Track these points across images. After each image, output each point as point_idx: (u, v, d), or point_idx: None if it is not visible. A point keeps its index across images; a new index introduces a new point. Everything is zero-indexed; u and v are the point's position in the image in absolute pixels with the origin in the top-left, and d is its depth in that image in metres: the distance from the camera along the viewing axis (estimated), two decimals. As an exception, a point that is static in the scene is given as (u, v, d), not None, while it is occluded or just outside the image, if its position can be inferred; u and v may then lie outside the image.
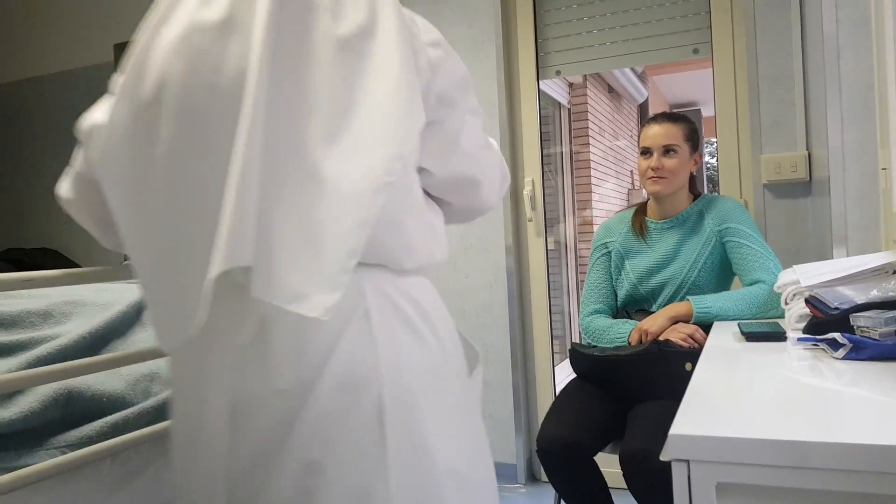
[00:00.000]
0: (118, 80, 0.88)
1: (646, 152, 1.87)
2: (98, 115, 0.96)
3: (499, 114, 2.77)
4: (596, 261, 2.00)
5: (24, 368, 0.98)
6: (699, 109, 6.85)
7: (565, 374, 1.93)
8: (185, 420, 0.80)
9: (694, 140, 1.87)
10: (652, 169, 1.84)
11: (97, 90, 3.88)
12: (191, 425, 0.79)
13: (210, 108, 0.74)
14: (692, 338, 1.64)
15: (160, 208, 0.78)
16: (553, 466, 1.64)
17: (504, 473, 2.79)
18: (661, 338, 1.67)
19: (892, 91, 1.63)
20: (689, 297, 1.72)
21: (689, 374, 1.06)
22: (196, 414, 0.77)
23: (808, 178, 2.27)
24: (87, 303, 1.22)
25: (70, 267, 3.81)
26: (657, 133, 1.85)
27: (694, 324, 1.68)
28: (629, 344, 1.76)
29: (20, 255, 3.77)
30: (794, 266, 1.47)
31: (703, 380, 1.04)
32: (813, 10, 2.06)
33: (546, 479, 1.72)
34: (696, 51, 2.55)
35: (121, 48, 3.73)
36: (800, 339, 1.28)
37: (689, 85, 6.60)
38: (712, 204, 1.87)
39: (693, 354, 1.58)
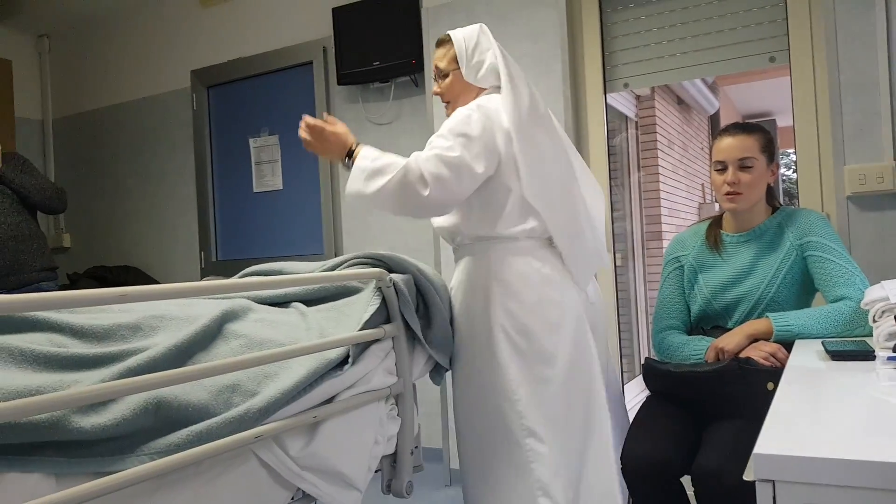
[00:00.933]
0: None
1: (720, 166, 1.79)
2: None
3: (565, 128, 2.76)
4: (668, 275, 1.94)
5: (117, 378, 1.03)
6: (774, 120, 6.62)
7: (634, 392, 1.89)
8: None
9: (770, 151, 1.78)
10: (728, 184, 1.76)
11: (175, 115, 4.10)
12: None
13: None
14: (774, 356, 1.57)
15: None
16: (639, 487, 1.59)
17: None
18: (741, 355, 1.61)
19: None
20: (768, 314, 1.65)
21: (770, 394, 1.02)
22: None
23: (896, 189, 2.15)
24: (172, 317, 1.28)
25: (149, 283, 4.00)
26: (731, 146, 1.77)
27: (774, 342, 1.62)
28: (706, 361, 1.70)
29: (104, 273, 3.98)
30: (882, 282, 1.40)
31: (787, 399, 1.00)
32: (898, 13, 1.97)
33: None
34: (772, 59, 2.47)
35: (197, 74, 3.92)
36: (890, 359, 1.21)
37: (763, 95, 6.39)
38: (793, 217, 1.78)
39: (775, 373, 1.51)
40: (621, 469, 1.62)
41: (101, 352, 1.08)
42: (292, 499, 1.30)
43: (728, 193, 1.76)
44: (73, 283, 3.87)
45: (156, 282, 4.06)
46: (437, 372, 1.72)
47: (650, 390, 1.82)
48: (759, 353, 1.58)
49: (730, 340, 1.65)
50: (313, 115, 3.56)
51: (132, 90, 4.29)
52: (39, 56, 4.61)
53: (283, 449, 1.22)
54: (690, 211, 5.96)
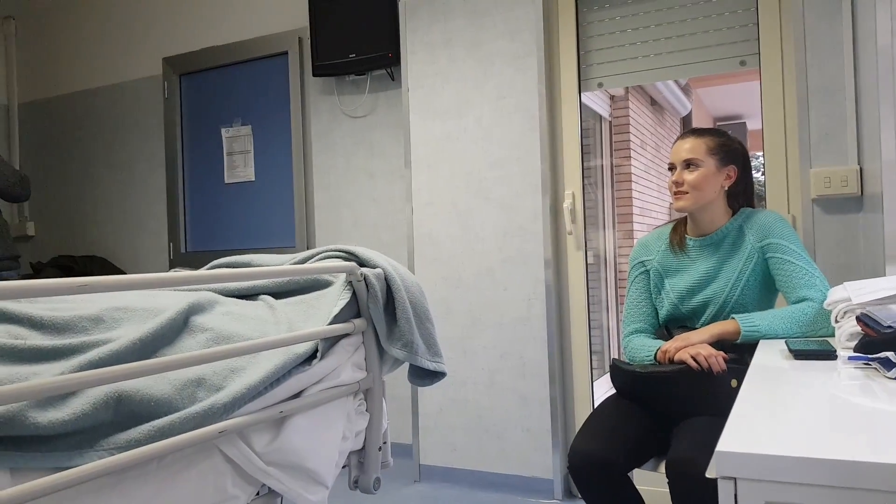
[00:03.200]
0: None
1: (671, 168, 1.85)
2: None
3: (540, 127, 2.77)
4: (634, 279, 1.97)
5: (76, 371, 1.01)
6: (744, 123, 6.72)
7: (604, 389, 1.91)
8: None
9: (722, 153, 1.81)
10: (674, 183, 1.82)
11: (146, 102, 4.05)
12: None
13: None
14: (707, 361, 1.59)
15: None
16: (584, 483, 1.62)
17: (540, 488, 2.76)
18: (675, 358, 1.64)
19: (950, 103, 1.58)
20: (735, 316, 1.68)
21: (735, 391, 1.04)
22: None
23: (860, 193, 2.20)
24: (136, 308, 1.26)
25: (116, 273, 3.93)
26: (679, 148, 1.83)
27: (740, 343, 1.64)
28: (657, 361, 1.73)
29: (69, 263, 3.90)
30: (844, 283, 1.43)
31: (750, 397, 1.02)
32: (866, 21, 2.01)
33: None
34: (743, 63, 2.51)
35: (169, 62, 3.85)
36: (851, 358, 1.24)
37: (734, 97, 6.49)
38: (752, 218, 1.82)
39: (738, 371, 1.54)
40: (567, 466, 1.64)
41: (60, 344, 1.06)
42: (257, 494, 1.29)
43: (675, 193, 1.83)
44: (37, 272, 3.78)
45: (122, 272, 3.98)
46: (415, 374, 1.69)
47: (617, 390, 1.84)
48: (686, 354, 1.61)
49: (690, 339, 1.68)
50: (287, 105, 3.55)
51: (102, 76, 4.20)
52: (5, 38, 4.48)
53: (248, 444, 1.21)
54: (662, 211, 6.03)
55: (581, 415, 2.79)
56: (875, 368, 1.15)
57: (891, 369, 1.09)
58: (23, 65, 4.49)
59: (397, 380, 3.24)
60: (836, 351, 1.32)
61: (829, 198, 2.26)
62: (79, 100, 4.29)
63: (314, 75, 3.35)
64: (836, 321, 1.41)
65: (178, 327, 1.24)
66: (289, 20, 3.55)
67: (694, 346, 1.64)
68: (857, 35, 2.18)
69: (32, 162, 4.46)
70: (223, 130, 3.76)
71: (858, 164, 2.20)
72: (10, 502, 0.81)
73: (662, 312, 1.90)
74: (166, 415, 1.07)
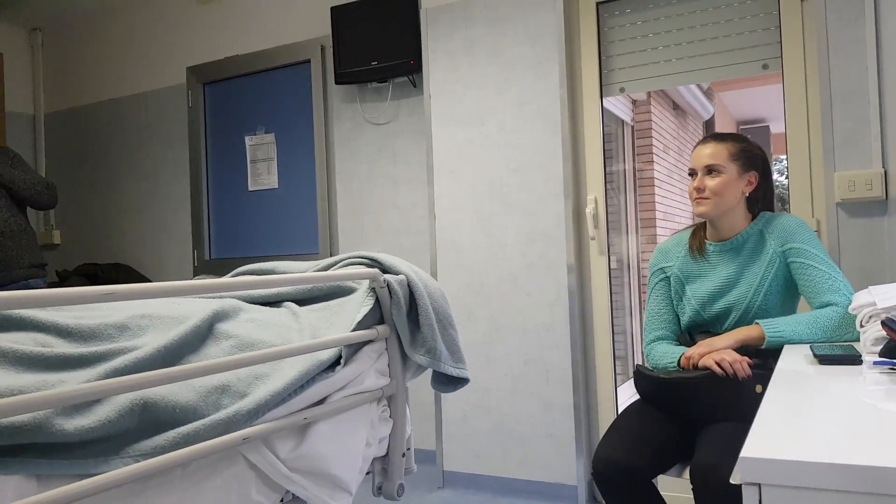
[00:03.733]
0: None
1: (692, 174, 1.84)
2: None
3: (562, 131, 2.77)
4: (654, 286, 1.95)
5: (102, 379, 1.03)
6: (767, 126, 6.63)
7: (628, 395, 1.90)
8: None
9: (744, 159, 1.80)
10: (695, 189, 1.80)
11: (170, 111, 4.12)
12: None
13: None
14: (732, 367, 1.58)
15: None
16: (609, 489, 1.61)
17: (564, 495, 2.75)
18: (699, 364, 1.63)
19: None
20: (758, 321, 1.66)
21: (759, 397, 1.03)
22: None
23: (885, 197, 2.16)
24: (161, 316, 1.28)
25: (141, 281, 3.99)
26: (701, 153, 1.81)
27: (765, 348, 1.62)
28: (680, 368, 1.71)
29: (94, 270, 3.96)
30: (869, 287, 1.41)
31: (775, 403, 1.00)
32: (889, 23, 1.98)
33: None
34: (765, 66, 2.48)
35: (193, 71, 3.92)
36: (876, 363, 1.22)
37: (757, 101, 6.41)
38: (772, 223, 1.80)
39: (763, 377, 1.52)
40: (591, 473, 1.63)
41: (86, 351, 1.08)
42: (281, 501, 1.30)
43: (696, 199, 1.81)
44: (63, 280, 3.85)
45: (147, 280, 4.05)
46: (438, 381, 1.69)
47: (640, 395, 1.83)
48: (711, 360, 1.60)
49: (714, 344, 1.66)
50: (310, 113, 3.59)
51: (126, 86, 4.28)
52: (32, 49, 4.59)
53: (272, 451, 1.22)
54: (685, 215, 5.97)
55: (605, 421, 2.78)
56: (903, 375, 1.13)
57: (919, 376, 1.08)
58: (49, 75, 4.60)
59: (421, 386, 3.25)
60: (860, 356, 1.30)
61: (853, 201, 2.22)
62: (104, 109, 4.38)
63: (337, 83, 3.39)
64: (861, 326, 1.38)
65: (202, 334, 1.26)
66: (311, 29, 3.60)
67: (718, 352, 1.62)
68: (880, 37, 2.15)
69: (58, 171, 4.56)
70: (247, 138, 3.81)
71: (883, 167, 2.17)
72: (39, 508, 0.83)
73: (684, 319, 1.88)
74: (191, 422, 1.08)
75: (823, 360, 1.30)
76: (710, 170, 1.79)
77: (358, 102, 3.48)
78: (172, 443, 1.04)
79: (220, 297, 1.51)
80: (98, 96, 4.40)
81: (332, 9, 3.36)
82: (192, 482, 1.10)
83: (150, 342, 1.15)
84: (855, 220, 2.23)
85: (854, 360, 1.28)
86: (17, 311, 1.13)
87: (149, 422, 1.05)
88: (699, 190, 1.80)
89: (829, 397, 1.04)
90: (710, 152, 1.80)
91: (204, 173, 3.94)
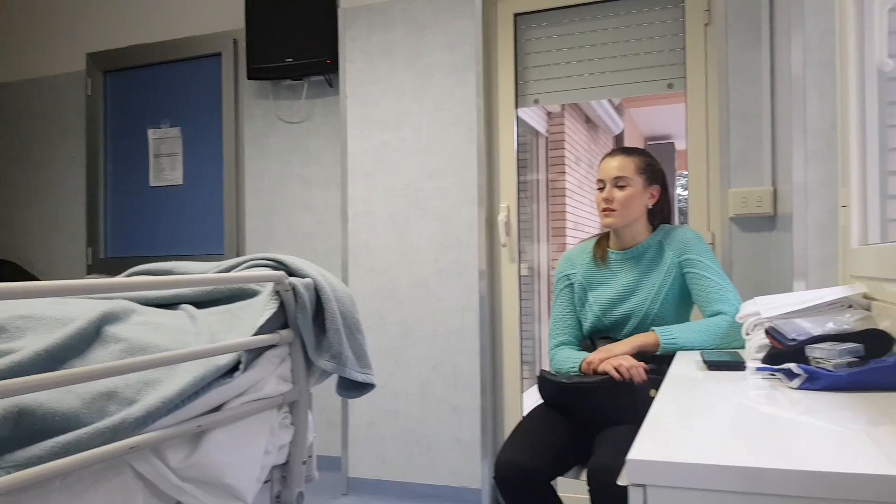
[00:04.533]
0: None
1: (600, 185, 1.91)
2: None
3: (477, 139, 2.80)
4: (560, 293, 2.01)
5: (-25, 384, 0.95)
6: (673, 143, 6.97)
7: (534, 399, 1.93)
8: None
9: (649, 173, 1.89)
10: (604, 200, 1.87)
11: (67, 99, 3.87)
12: None
13: None
14: (629, 372, 1.64)
15: None
16: (509, 492, 1.64)
17: (469, 499, 2.77)
18: (599, 369, 1.69)
19: (854, 132, 1.68)
20: (654, 328, 1.74)
21: (653, 401, 1.07)
22: None
23: (773, 213, 2.32)
24: (44, 317, 1.20)
25: (28, 279, 3.73)
26: (609, 166, 1.89)
27: (660, 354, 1.70)
28: (581, 373, 1.77)
29: (-22, 267, 3.68)
30: (755, 298, 1.50)
31: (664, 407, 1.05)
32: (782, 51, 2.12)
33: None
34: (670, 85, 2.61)
35: (93, 58, 3.71)
36: (758, 369, 1.30)
37: (664, 118, 6.73)
38: (671, 234, 1.90)
39: (658, 381, 1.59)
40: (493, 476, 1.66)
41: (-43, 354, 0.99)
42: (173, 511, 1.24)
43: (604, 210, 1.87)
44: (-59, 276, 3.55)
45: (35, 278, 3.79)
46: (343, 386, 1.66)
47: (544, 400, 1.87)
48: (609, 365, 1.67)
49: (613, 350, 1.72)
50: (219, 108, 3.46)
51: (19, 69, 3.99)
52: (-85, 27, 4.21)
53: (162, 460, 1.16)
54: (594, 226, 6.18)
55: (511, 425, 2.82)
56: (779, 379, 1.21)
57: (793, 379, 1.15)
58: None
59: (328, 392, 3.19)
60: (745, 362, 1.37)
61: (745, 217, 2.36)
62: (-4, 94, 4.07)
63: (249, 78, 3.29)
64: (747, 334, 1.47)
65: (89, 337, 1.19)
66: (224, 21, 3.48)
67: (616, 358, 1.68)
68: (774, 63, 2.30)
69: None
70: (150, 132, 3.64)
71: (773, 185, 2.32)
72: None
73: (586, 324, 1.94)
74: (72, 430, 1.02)
75: (711, 366, 1.37)
76: (619, 182, 1.86)
77: (271, 99, 3.39)
78: (50, 452, 0.97)
79: (112, 299, 1.42)
80: (-12, 79, 4.09)
81: (247, 1, 3.27)
82: (71, 494, 1.03)
83: (28, 345, 1.07)
84: (746, 235, 2.37)
85: (739, 366, 1.35)
86: None
87: (25, 430, 0.97)
88: (608, 201, 1.86)
89: (715, 401, 1.09)
90: (619, 165, 1.87)
91: (102, 166, 3.73)
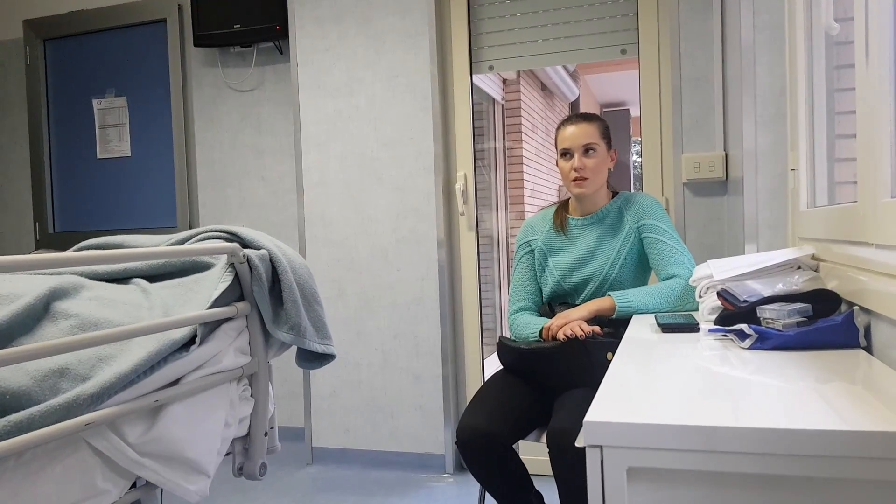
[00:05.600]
0: None
1: (566, 153, 1.90)
2: None
3: (432, 107, 2.78)
4: (520, 259, 2.03)
5: (-84, 364, 0.91)
6: (628, 109, 7.04)
7: (495, 366, 1.96)
8: None
9: (608, 137, 1.92)
10: (575, 170, 1.86)
11: (5, 69, 3.69)
12: None
13: None
14: (574, 330, 1.69)
15: None
16: (470, 456, 1.67)
17: (432, 464, 2.81)
18: (558, 336, 1.72)
19: (803, 96, 1.72)
20: (610, 293, 1.77)
21: (610, 364, 1.10)
22: None
23: (725, 178, 2.37)
24: (-10, 294, 1.15)
25: (-24, 257, 3.58)
26: (575, 134, 1.88)
27: (616, 318, 1.74)
28: (541, 338, 1.80)
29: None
30: (708, 261, 1.53)
31: (621, 369, 1.07)
32: (732, 16, 2.15)
33: (474, 470, 1.74)
34: (623, 51, 2.62)
35: (31, 25, 3.53)
36: (711, 330, 1.34)
37: (619, 85, 6.78)
38: (631, 201, 1.92)
39: (614, 345, 1.63)
40: (455, 441, 1.68)
41: None
42: (134, 486, 1.22)
43: (575, 179, 1.87)
44: None
45: (-19, 255, 3.64)
46: (303, 357, 1.65)
47: (503, 366, 1.90)
48: (562, 334, 1.70)
49: (571, 315, 1.75)
50: (166, 76, 3.35)
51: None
52: None
53: (119, 436, 1.14)
54: (551, 193, 6.23)
55: (472, 391, 2.86)
56: (731, 339, 1.25)
57: (744, 339, 1.19)
58: None
59: (289, 362, 3.18)
60: (698, 324, 1.42)
61: (698, 181, 2.41)
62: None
63: (196, 45, 3.18)
64: (700, 296, 1.51)
65: (37, 314, 1.15)
66: (168, -14, 3.34)
67: (572, 324, 1.71)
68: (725, 29, 2.33)
69: None
70: (94, 102, 3.50)
71: (724, 150, 2.37)
72: None
73: (546, 290, 1.97)
74: (24, 408, 0.99)
75: (666, 328, 1.41)
76: (588, 149, 1.86)
77: (219, 67, 3.29)
78: (2, 431, 0.94)
79: (60, 274, 1.38)
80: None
81: (192, -35, 3.15)
82: (27, 472, 1.00)
83: (-28, 323, 1.03)
84: (699, 199, 2.43)
85: (693, 328, 1.39)
86: None
87: (-28, 410, 0.94)
88: (579, 169, 1.85)
89: (669, 363, 1.12)
90: (585, 132, 1.86)
91: (46, 138, 3.58)
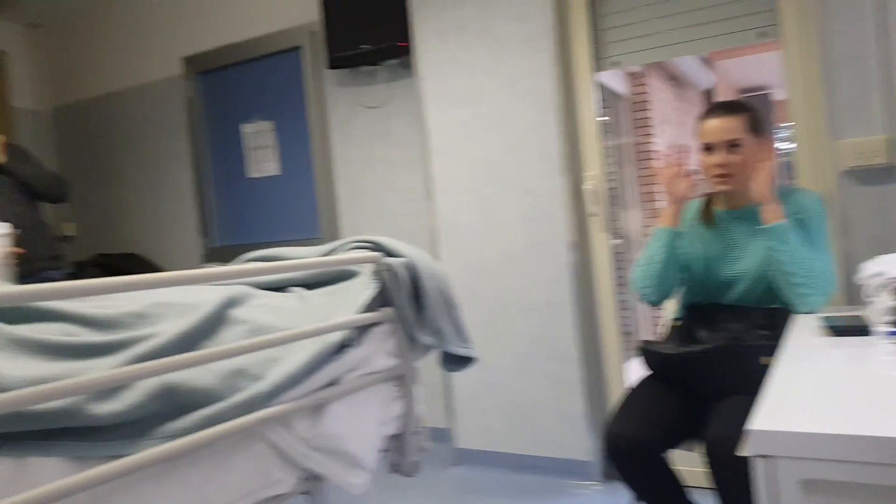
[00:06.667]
0: None
1: (707, 148, 1.79)
2: None
3: (555, 109, 2.76)
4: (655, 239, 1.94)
5: (127, 365, 1.05)
6: (770, 93, 6.60)
7: (637, 370, 1.91)
8: None
9: (757, 129, 1.78)
10: (717, 167, 1.76)
11: (169, 102, 4.12)
12: None
13: None
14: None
15: None
16: (622, 465, 1.62)
17: (578, 470, 2.78)
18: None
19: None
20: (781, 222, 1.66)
21: (765, 369, 1.04)
22: None
23: (891, 164, 2.16)
24: (175, 304, 1.30)
25: (152, 270, 4.01)
26: (717, 128, 1.76)
27: (773, 318, 1.64)
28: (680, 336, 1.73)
29: (107, 261, 4.00)
30: (878, 256, 1.41)
31: (784, 375, 1.02)
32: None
33: (621, 477, 1.71)
34: (762, 34, 2.47)
35: (188, 61, 3.90)
36: (890, 333, 1.23)
37: (758, 68, 6.37)
38: (790, 196, 1.78)
39: (769, 349, 1.54)
40: (604, 449, 1.65)
41: (109, 339, 1.10)
42: (301, 480, 1.32)
43: (718, 176, 1.76)
44: (79, 271, 3.88)
45: (158, 268, 4.08)
46: (446, 360, 1.71)
47: (649, 370, 1.84)
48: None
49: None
50: (304, 99, 3.58)
51: (126, 78, 4.27)
52: (34, 46, 4.58)
53: (290, 431, 1.25)
54: (685, 188, 5.97)
55: (615, 396, 2.80)
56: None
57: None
58: (51, 71, 4.58)
59: (431, 364, 3.27)
60: (870, 326, 1.30)
61: (858, 169, 2.22)
62: (106, 102, 4.37)
63: (329, 68, 3.37)
64: (869, 296, 1.39)
65: (216, 321, 1.28)
66: (301, 14, 3.57)
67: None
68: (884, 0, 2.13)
69: (68, 164, 4.56)
70: (243, 126, 3.81)
71: (888, 133, 2.16)
72: (77, 489, 0.86)
73: (687, 290, 1.89)
74: (212, 404, 1.11)
75: (836, 331, 1.31)
76: (732, 144, 1.75)
77: (351, 86, 3.47)
78: (196, 424, 1.07)
79: (231, 284, 1.52)
80: (99, 90, 4.39)
81: (322, -7, 3.34)
82: (216, 461, 1.12)
83: (167, 329, 1.17)
84: (861, 189, 2.22)
85: (864, 330, 1.28)
86: (43, 303, 1.15)
87: (173, 405, 1.07)
88: (722, 166, 1.75)
89: (840, 368, 1.04)
90: (728, 126, 1.75)
91: (206, 162, 3.95)
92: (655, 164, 1.68)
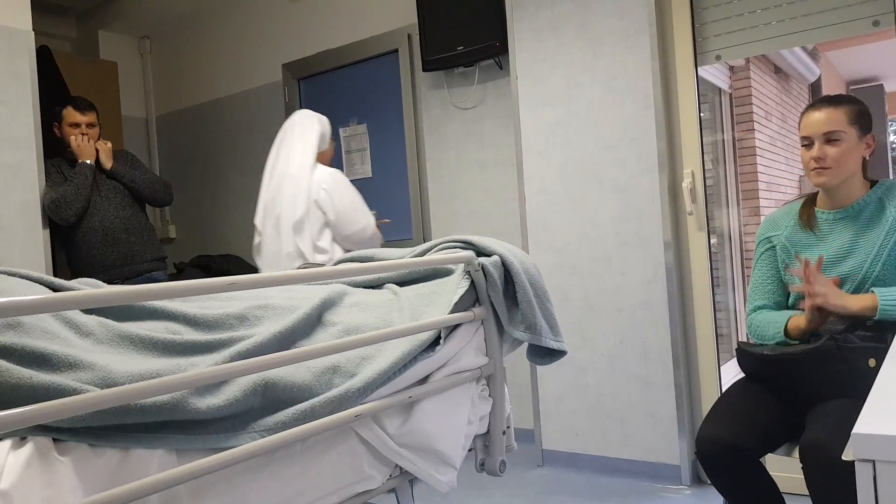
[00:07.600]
0: None
1: (806, 142, 1.73)
2: None
3: (654, 105, 2.70)
4: (760, 256, 1.88)
5: (229, 362, 1.12)
6: (881, 85, 6.14)
7: (732, 373, 1.85)
8: None
9: (862, 122, 1.70)
10: (814, 160, 1.70)
11: (269, 108, 4.33)
12: None
13: None
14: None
15: None
16: (715, 469, 1.58)
17: (667, 474, 2.71)
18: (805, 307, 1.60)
19: None
20: (875, 290, 1.58)
21: (872, 371, 0.99)
22: None
23: None
24: (276, 306, 1.37)
25: (251, 271, 4.21)
26: (817, 120, 1.70)
27: (877, 321, 1.54)
28: (786, 336, 1.65)
29: (208, 262, 4.21)
30: None
31: (892, 378, 0.96)
32: None
33: (712, 483, 1.66)
34: (876, 23, 2.32)
35: (288, 68, 4.07)
36: None
37: (869, 58, 5.93)
38: (894, 190, 1.70)
39: (875, 350, 1.45)
40: (696, 452, 1.60)
41: (211, 338, 1.18)
42: (390, 476, 1.37)
43: (816, 169, 1.71)
44: (180, 272, 4.13)
45: (256, 270, 4.27)
46: (535, 353, 1.71)
47: (745, 373, 1.78)
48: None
49: (830, 301, 1.61)
50: (400, 102, 3.66)
51: (228, 85, 4.51)
52: (142, 57, 4.92)
53: (381, 427, 1.29)
54: (791, 185, 5.66)
55: (708, 400, 2.71)
56: None
57: None
58: (158, 80, 4.92)
59: (517, 365, 3.28)
60: None
61: None
62: (208, 109, 4.64)
63: (424, 70, 3.44)
64: None
65: (312, 322, 1.34)
66: (398, 18, 3.66)
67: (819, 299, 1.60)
68: None
69: (170, 169, 4.87)
70: (341, 130, 3.94)
71: None
72: (178, 480, 0.93)
73: (793, 295, 1.80)
74: (307, 399, 1.16)
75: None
76: (830, 138, 1.69)
77: (445, 88, 3.52)
78: (292, 419, 1.12)
79: (328, 283, 1.59)
80: (202, 97, 4.67)
81: (418, -3, 3.41)
82: (310, 456, 1.18)
83: (265, 330, 1.24)
84: None
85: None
86: (149, 302, 1.24)
87: (270, 400, 1.13)
88: (819, 160, 1.70)
89: (956, 372, 0.98)
90: (828, 118, 1.70)
91: (304, 166, 4.10)
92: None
